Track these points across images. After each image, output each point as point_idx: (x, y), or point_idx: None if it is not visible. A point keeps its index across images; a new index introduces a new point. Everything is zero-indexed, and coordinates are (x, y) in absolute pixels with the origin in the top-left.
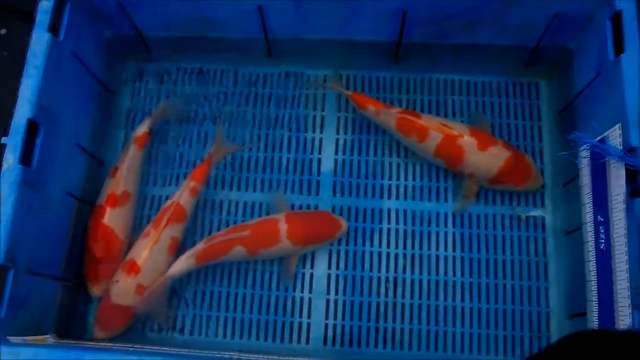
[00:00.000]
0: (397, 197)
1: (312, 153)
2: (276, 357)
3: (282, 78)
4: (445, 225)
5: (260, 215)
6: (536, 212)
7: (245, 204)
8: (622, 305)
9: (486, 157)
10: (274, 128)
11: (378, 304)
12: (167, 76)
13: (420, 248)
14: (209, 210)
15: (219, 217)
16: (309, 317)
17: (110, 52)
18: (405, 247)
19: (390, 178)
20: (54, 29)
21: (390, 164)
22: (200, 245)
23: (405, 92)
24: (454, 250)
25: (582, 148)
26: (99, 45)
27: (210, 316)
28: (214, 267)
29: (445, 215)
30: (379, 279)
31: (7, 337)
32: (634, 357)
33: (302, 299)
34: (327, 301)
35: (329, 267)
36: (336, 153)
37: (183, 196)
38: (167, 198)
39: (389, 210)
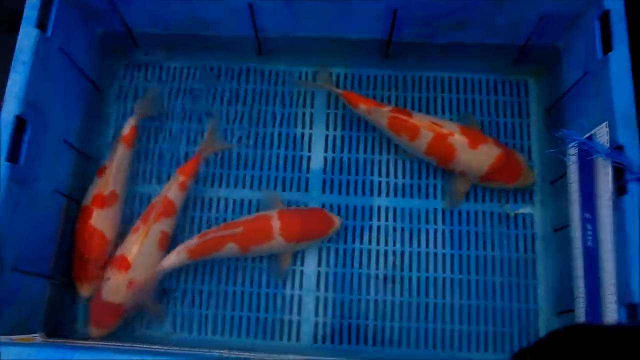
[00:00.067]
0: (387, 194)
1: (301, 150)
2: (266, 355)
3: (272, 75)
4: (435, 223)
5: (250, 212)
6: (524, 210)
7: (234, 201)
8: (609, 302)
9: (477, 155)
10: (264, 125)
11: (368, 301)
12: (156, 73)
13: (410, 245)
14: (198, 207)
15: (208, 214)
16: (298, 314)
17: (99, 48)
18: (395, 244)
19: (380, 175)
20: (42, 24)
21: (380, 161)
22: (193, 240)
23: (395, 89)
24: (443, 247)
25: (570, 146)
26: (88, 42)
27: (201, 314)
28: (204, 264)
29: (435, 212)
30: (368, 276)
31: None
32: (620, 350)
33: (292, 296)
34: (317, 298)
35: (319, 265)
36: (326, 150)
37: (172, 190)
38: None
39: (378, 208)
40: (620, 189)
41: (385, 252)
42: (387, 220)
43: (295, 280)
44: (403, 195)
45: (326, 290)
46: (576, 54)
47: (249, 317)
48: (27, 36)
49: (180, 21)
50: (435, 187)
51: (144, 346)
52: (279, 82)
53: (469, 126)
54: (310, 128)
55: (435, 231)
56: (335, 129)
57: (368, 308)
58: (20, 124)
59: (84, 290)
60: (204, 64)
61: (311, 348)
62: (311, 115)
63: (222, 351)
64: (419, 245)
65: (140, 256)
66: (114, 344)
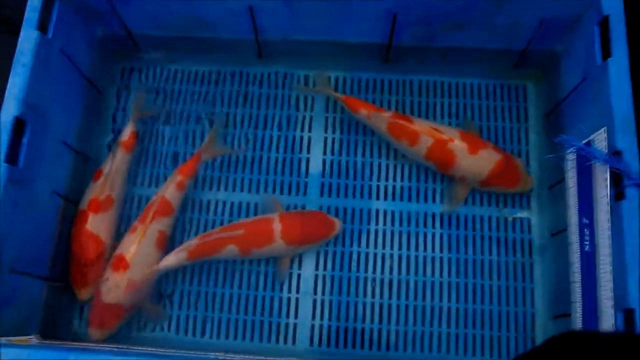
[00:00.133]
0: (385, 198)
1: (300, 153)
2: (262, 358)
3: (272, 78)
4: (433, 226)
5: (248, 216)
6: (522, 214)
7: (232, 204)
8: (606, 307)
9: (476, 161)
10: (263, 128)
11: (365, 305)
12: (156, 75)
13: (408, 249)
14: (197, 210)
15: (207, 217)
16: (295, 317)
17: (99, 50)
18: (392, 248)
19: (378, 179)
20: (42, 26)
21: (379, 164)
22: (193, 241)
23: (394, 93)
24: (441, 251)
25: (568, 151)
26: (88, 44)
27: (197, 316)
28: (200, 267)
29: (433, 216)
30: (365, 279)
31: None
32: (616, 357)
33: (289, 299)
34: (314, 302)
35: (317, 268)
36: (324, 153)
37: (169, 190)
38: None
39: (377, 211)
40: (618, 195)
41: (383, 255)
42: (385, 223)
43: (293, 283)
44: (401, 199)
45: (323, 293)
46: (575, 59)
47: (246, 320)
48: (27, 38)
49: (180, 23)
50: (434, 191)
51: (140, 348)
52: (279, 85)
53: (468, 132)
54: (309, 131)
55: (433, 235)
56: (334, 132)
57: (365, 311)
58: (19, 125)
59: (82, 294)
60: (204, 67)
61: (308, 351)
62: (310, 118)
63: (218, 354)
64: (416, 249)
65: (139, 256)
66: (110, 346)
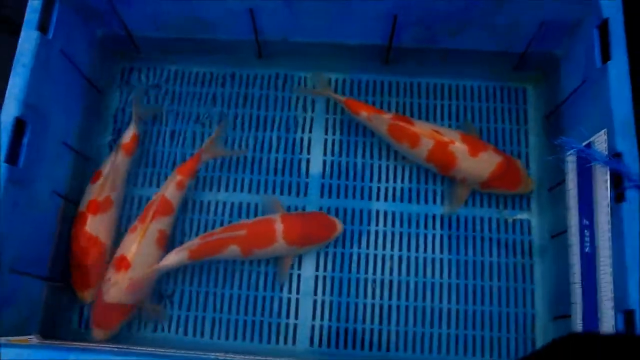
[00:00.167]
0: (386, 199)
1: (300, 154)
2: (262, 358)
3: (272, 79)
4: (433, 228)
5: (248, 216)
6: (522, 216)
7: (232, 204)
8: (606, 308)
9: (477, 163)
10: (264, 129)
11: (365, 306)
12: (156, 76)
13: (408, 250)
14: (197, 210)
15: (207, 217)
16: (295, 318)
17: (100, 51)
18: (392, 249)
19: (378, 180)
20: (42, 27)
21: (379, 165)
22: (195, 241)
23: (395, 95)
24: (441, 252)
25: (568, 153)
26: (88, 44)
27: (197, 317)
28: (200, 267)
29: (433, 217)
30: (366, 280)
31: None
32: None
33: (289, 299)
34: (314, 302)
35: (317, 269)
36: (325, 154)
37: (169, 189)
38: None
39: (377, 212)
40: (618, 196)
41: (383, 256)
42: (385, 224)
43: (293, 284)
44: (401, 200)
45: (324, 294)
46: (575, 61)
47: (246, 321)
48: (28, 39)
49: (180, 24)
50: (434, 192)
51: (139, 348)
52: (279, 86)
53: (469, 134)
54: (310, 132)
55: (434, 236)
56: (334, 134)
57: (365, 312)
58: (19, 125)
59: (85, 296)
60: (204, 68)
61: (308, 352)
62: (311, 119)
63: (218, 354)
64: (417, 250)
65: (140, 255)
66: (110, 346)
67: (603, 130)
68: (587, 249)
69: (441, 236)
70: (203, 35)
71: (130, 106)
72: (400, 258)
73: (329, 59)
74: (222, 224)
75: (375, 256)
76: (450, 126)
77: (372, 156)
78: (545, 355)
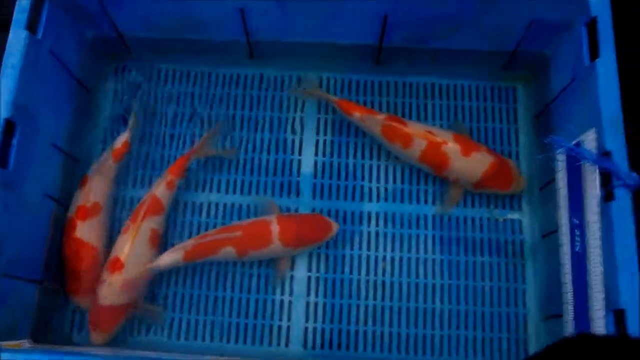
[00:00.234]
0: (378, 200)
1: (292, 154)
2: None
3: (264, 80)
4: (425, 228)
5: (240, 217)
6: (513, 215)
7: (225, 205)
8: (597, 308)
9: (470, 163)
10: (255, 130)
11: (358, 307)
12: (147, 77)
13: (400, 250)
14: (189, 212)
15: (199, 219)
16: (288, 320)
17: (90, 51)
18: (385, 250)
19: (370, 180)
20: (31, 27)
21: (371, 166)
22: (190, 242)
23: (385, 94)
24: (433, 252)
25: (558, 152)
26: (78, 45)
27: (190, 319)
28: (193, 269)
29: (425, 217)
30: (358, 281)
31: None
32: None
33: (282, 301)
34: (307, 304)
35: (309, 270)
36: (316, 155)
37: (159, 189)
38: None
39: (369, 213)
40: (608, 195)
41: (376, 257)
42: (377, 225)
43: (286, 286)
44: (393, 201)
45: (316, 295)
46: (564, 60)
47: (239, 323)
48: (16, 39)
49: (171, 25)
50: (425, 192)
51: (133, 352)
52: (270, 86)
53: (461, 134)
54: (301, 133)
55: (425, 236)
56: (325, 134)
57: (358, 314)
58: (9, 127)
59: (80, 303)
60: (195, 68)
61: (301, 354)
62: (302, 120)
63: (211, 357)
64: (409, 251)
65: (133, 255)
66: (104, 349)
67: (592, 129)
68: (577, 248)
69: (433, 236)
70: (194, 35)
71: (119, 105)
72: (392, 259)
73: (320, 59)
74: (214, 226)
75: (368, 257)
76: (441, 126)
77: (363, 156)
78: (553, 354)
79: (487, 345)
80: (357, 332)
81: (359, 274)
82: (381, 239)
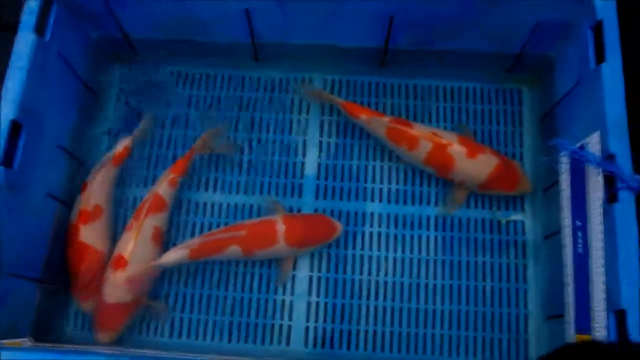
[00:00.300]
0: (380, 201)
1: (295, 156)
2: None
3: (268, 82)
4: (427, 229)
5: (243, 218)
6: (516, 217)
7: (228, 205)
8: (599, 309)
9: (476, 165)
10: (259, 131)
11: (359, 307)
12: (152, 79)
13: (402, 251)
14: (192, 212)
15: (202, 219)
16: (290, 319)
17: (96, 53)
18: (387, 250)
19: (373, 181)
20: (39, 29)
21: (374, 167)
22: (196, 240)
23: (390, 96)
24: (435, 253)
25: (562, 154)
26: (84, 46)
27: (191, 319)
28: (195, 269)
29: (428, 218)
30: (360, 281)
31: None
32: None
33: (283, 301)
34: (309, 303)
35: (311, 270)
36: (319, 156)
37: (162, 186)
38: None
39: (371, 214)
40: (611, 197)
41: (378, 258)
42: (379, 226)
43: (287, 286)
44: (396, 202)
45: (318, 295)
46: (569, 63)
47: (240, 322)
48: (24, 41)
49: (176, 27)
50: (428, 193)
51: (134, 350)
52: (275, 88)
53: (466, 136)
54: (305, 134)
55: (428, 237)
56: (329, 136)
57: (360, 313)
58: (15, 128)
59: (87, 305)
60: (200, 70)
61: (302, 353)
62: (306, 121)
63: (211, 356)
64: (411, 252)
65: (136, 252)
66: (105, 348)
67: (596, 132)
68: (579, 250)
69: (435, 237)
70: (199, 37)
71: (125, 107)
72: (394, 259)
73: (324, 61)
74: (217, 226)
75: (370, 257)
76: (445, 128)
77: (366, 158)
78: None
79: (487, 345)
80: (358, 331)
81: (361, 274)
82: (383, 240)
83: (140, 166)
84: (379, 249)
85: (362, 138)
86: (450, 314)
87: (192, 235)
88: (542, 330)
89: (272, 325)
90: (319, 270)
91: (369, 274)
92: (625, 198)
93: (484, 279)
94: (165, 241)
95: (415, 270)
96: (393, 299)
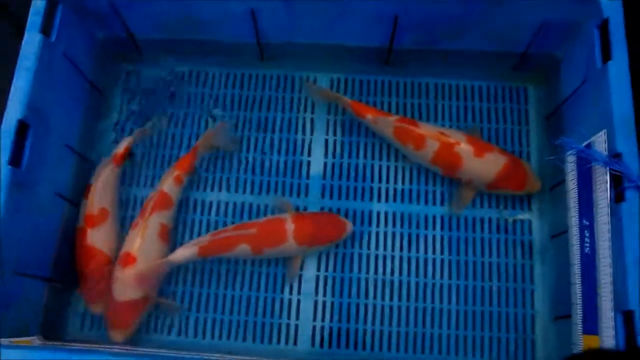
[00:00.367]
0: (386, 200)
1: (301, 155)
2: (264, 359)
3: (274, 81)
4: (434, 228)
5: (250, 217)
6: (523, 216)
7: (235, 204)
8: (606, 309)
9: (483, 164)
10: (264, 130)
11: (366, 306)
12: (158, 78)
13: (409, 251)
14: (198, 211)
15: (208, 217)
16: (297, 318)
17: (101, 53)
18: (393, 250)
19: (379, 180)
20: (45, 30)
21: (380, 166)
22: (205, 237)
23: (395, 95)
24: (442, 252)
25: (568, 153)
26: (90, 46)
27: (198, 318)
28: (202, 268)
29: (434, 218)
30: (367, 280)
31: None
32: None
33: (290, 300)
34: (315, 303)
35: (318, 269)
36: (325, 155)
37: (167, 184)
38: None
39: (377, 213)
40: (618, 197)
41: (384, 257)
42: (386, 225)
43: (294, 285)
44: (402, 201)
45: (325, 294)
46: (575, 62)
47: (247, 321)
48: (31, 41)
49: (181, 26)
50: (434, 193)
51: (141, 349)
52: (280, 87)
53: (473, 135)
54: (311, 133)
55: (434, 237)
56: (335, 135)
57: (367, 313)
58: (22, 128)
59: (96, 308)
60: (206, 69)
61: (309, 352)
62: (311, 120)
63: (218, 355)
64: (417, 251)
65: (144, 249)
66: (111, 347)
67: (603, 131)
68: (587, 250)
69: (442, 237)
70: (205, 37)
71: (131, 106)
72: (401, 258)
73: (330, 60)
74: (224, 224)
75: (376, 257)
76: (451, 126)
77: (372, 157)
78: None
79: (494, 345)
80: (365, 331)
81: (367, 273)
82: (389, 239)
83: (145, 165)
84: (385, 249)
85: (368, 137)
86: (457, 313)
87: (199, 234)
88: (549, 331)
89: (280, 325)
90: (326, 270)
91: (376, 273)
92: (632, 197)
93: (490, 279)
94: (172, 240)
95: (421, 269)
96: (400, 299)
